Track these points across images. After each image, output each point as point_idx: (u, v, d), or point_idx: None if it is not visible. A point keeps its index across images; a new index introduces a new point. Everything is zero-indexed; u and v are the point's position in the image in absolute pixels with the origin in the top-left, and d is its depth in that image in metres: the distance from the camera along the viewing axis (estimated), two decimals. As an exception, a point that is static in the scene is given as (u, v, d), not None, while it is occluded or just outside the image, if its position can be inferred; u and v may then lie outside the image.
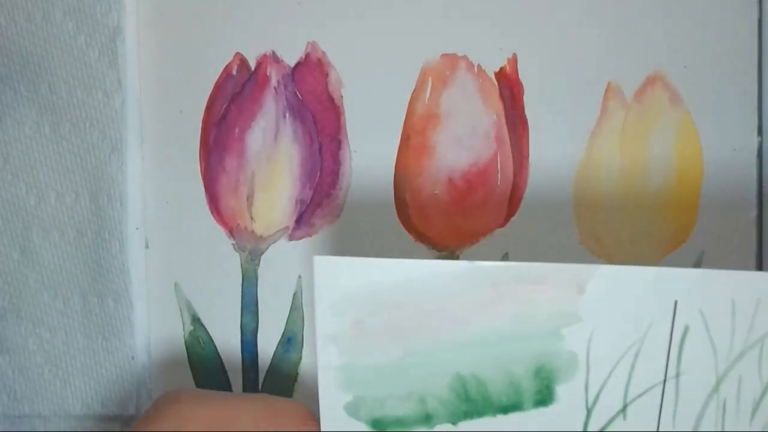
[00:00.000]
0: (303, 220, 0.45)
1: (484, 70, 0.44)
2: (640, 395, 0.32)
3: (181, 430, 0.34)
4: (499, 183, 0.44)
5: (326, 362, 0.32)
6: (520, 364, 0.32)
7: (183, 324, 0.45)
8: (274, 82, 0.45)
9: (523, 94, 0.44)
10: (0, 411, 0.45)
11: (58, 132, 0.44)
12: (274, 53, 0.45)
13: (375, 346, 0.32)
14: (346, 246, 0.45)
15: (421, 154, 0.44)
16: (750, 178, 0.44)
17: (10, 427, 0.45)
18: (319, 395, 0.33)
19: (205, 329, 0.45)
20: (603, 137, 0.44)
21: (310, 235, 0.45)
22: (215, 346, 0.45)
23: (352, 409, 0.33)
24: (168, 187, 0.45)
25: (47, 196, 0.44)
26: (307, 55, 0.45)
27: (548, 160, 0.44)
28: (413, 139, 0.44)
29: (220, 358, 0.45)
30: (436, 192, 0.44)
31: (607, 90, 0.44)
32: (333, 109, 0.45)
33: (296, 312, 0.45)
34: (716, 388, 0.32)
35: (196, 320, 0.45)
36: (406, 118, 0.44)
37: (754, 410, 0.33)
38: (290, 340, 0.45)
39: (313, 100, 0.45)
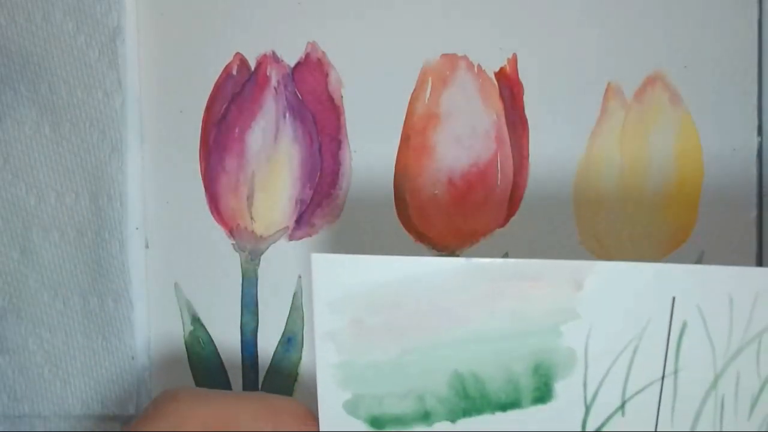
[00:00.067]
0: (303, 220, 0.45)
1: (484, 70, 0.44)
2: (638, 392, 0.32)
3: (180, 429, 0.34)
4: (499, 183, 0.44)
5: (324, 360, 0.32)
6: (519, 361, 0.32)
7: (183, 324, 0.45)
8: (274, 82, 0.45)
9: (523, 94, 0.44)
10: (0, 411, 0.45)
11: (58, 132, 0.44)
12: (274, 53, 0.45)
13: (373, 343, 0.32)
14: (346, 246, 0.45)
15: (421, 154, 0.44)
16: (750, 178, 0.44)
17: (10, 427, 0.45)
18: (318, 393, 0.33)
19: (205, 329, 0.45)
20: (603, 137, 0.44)
21: (310, 235, 0.45)
22: (215, 346, 0.45)
23: (351, 407, 0.33)
24: (168, 187, 0.45)
25: (47, 196, 0.44)
26: (307, 55, 0.45)
27: (548, 160, 0.44)
28: (413, 139, 0.44)
29: (220, 358, 0.45)
30: (436, 192, 0.44)
31: (607, 90, 0.44)
32: (333, 109, 0.45)
33: (296, 312, 0.45)
34: (714, 385, 0.32)
35: (196, 320, 0.45)
36: (406, 118, 0.44)
37: (753, 406, 0.33)
38: (290, 340, 0.45)
39: (313, 100, 0.45)
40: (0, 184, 0.44)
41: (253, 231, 0.45)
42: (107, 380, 0.45)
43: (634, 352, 0.32)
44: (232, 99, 0.45)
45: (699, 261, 0.44)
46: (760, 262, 0.44)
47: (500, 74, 0.44)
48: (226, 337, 0.45)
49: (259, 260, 0.45)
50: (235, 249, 0.45)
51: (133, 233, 0.44)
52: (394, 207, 0.45)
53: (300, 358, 0.45)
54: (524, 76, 0.44)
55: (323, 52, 0.45)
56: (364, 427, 0.33)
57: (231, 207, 0.45)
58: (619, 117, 0.44)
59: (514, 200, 0.44)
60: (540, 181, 0.44)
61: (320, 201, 0.45)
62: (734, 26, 0.44)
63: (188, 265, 0.45)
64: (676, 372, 0.32)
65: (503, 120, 0.44)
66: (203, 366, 0.46)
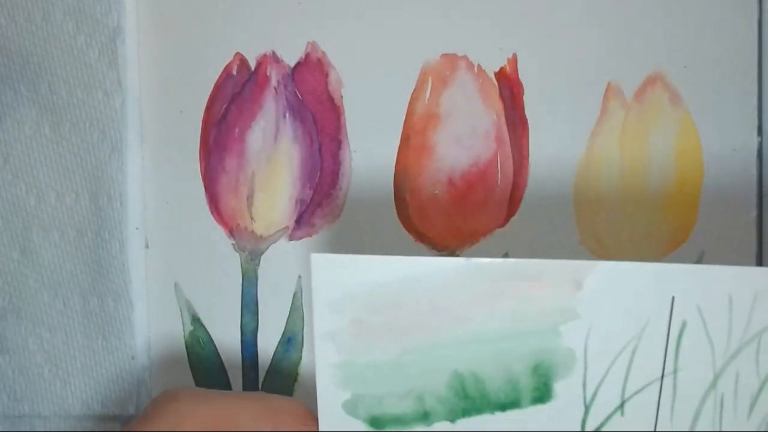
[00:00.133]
0: (303, 220, 0.45)
1: (484, 70, 0.44)
2: (637, 391, 0.32)
3: (180, 429, 0.34)
4: (499, 183, 0.44)
5: (324, 360, 0.32)
6: (518, 361, 0.32)
7: (183, 324, 0.45)
8: (274, 82, 0.45)
9: (523, 94, 0.44)
10: (0, 411, 0.45)
11: (58, 132, 0.44)
12: (274, 53, 0.45)
13: (373, 343, 0.32)
14: (346, 246, 0.45)
15: (421, 154, 0.44)
16: (750, 178, 0.44)
17: (10, 427, 0.45)
18: (317, 393, 0.33)
19: (205, 329, 0.45)
20: (603, 137, 0.44)
21: (310, 235, 0.45)
22: (215, 346, 0.45)
23: (351, 407, 0.33)
24: (168, 187, 0.45)
25: (47, 196, 0.44)
26: (307, 55, 0.45)
27: (548, 160, 0.44)
28: (413, 139, 0.44)
29: (220, 358, 0.45)
30: (436, 192, 0.44)
31: (607, 90, 0.44)
32: (333, 109, 0.45)
33: (296, 312, 0.45)
34: (714, 384, 0.32)
35: (196, 320, 0.45)
36: (406, 118, 0.44)
37: (752, 405, 0.33)
38: (290, 340, 0.45)
39: (313, 100, 0.45)
40: (0, 184, 0.44)
41: (253, 231, 0.45)
42: (107, 380, 0.45)
43: (634, 351, 0.32)
44: (232, 99, 0.45)
45: (699, 261, 0.44)
46: (760, 262, 0.44)
47: (500, 74, 0.44)
48: (226, 337, 0.45)
49: (259, 260, 0.45)
50: (235, 249, 0.45)
51: (133, 233, 0.44)
52: (394, 207, 0.45)
53: (300, 358, 0.45)
54: (524, 76, 0.44)
55: (323, 52, 0.45)
56: (364, 427, 0.33)
57: (231, 207, 0.45)
58: (619, 117, 0.44)
59: (514, 200, 0.44)
60: (540, 181, 0.44)
61: (320, 201, 0.45)
62: (734, 26, 0.44)
63: (188, 265, 0.45)
64: (675, 372, 0.32)
65: (503, 120, 0.44)
66: (203, 366, 0.46)
